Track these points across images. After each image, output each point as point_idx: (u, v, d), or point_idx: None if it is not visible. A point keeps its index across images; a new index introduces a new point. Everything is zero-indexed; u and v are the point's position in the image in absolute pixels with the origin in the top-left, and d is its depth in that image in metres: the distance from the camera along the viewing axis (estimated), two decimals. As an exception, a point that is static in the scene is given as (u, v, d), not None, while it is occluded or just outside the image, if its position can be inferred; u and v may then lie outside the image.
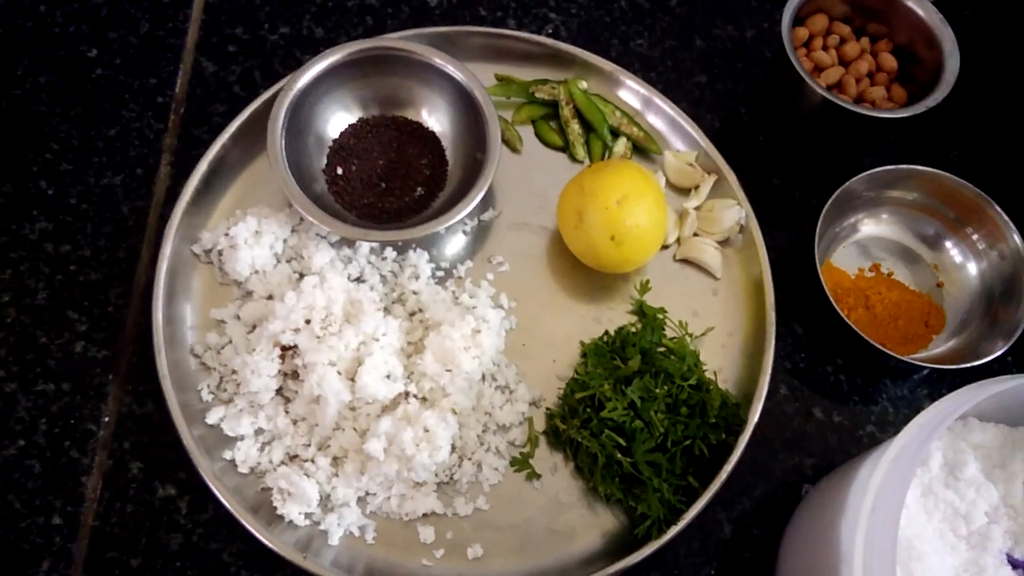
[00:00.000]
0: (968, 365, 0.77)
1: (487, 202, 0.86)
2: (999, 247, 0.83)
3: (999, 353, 0.77)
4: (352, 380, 0.74)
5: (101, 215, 0.84)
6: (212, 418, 0.74)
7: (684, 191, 0.88)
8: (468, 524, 0.74)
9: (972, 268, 0.85)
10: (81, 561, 0.73)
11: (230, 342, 0.78)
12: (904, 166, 0.83)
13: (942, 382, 0.83)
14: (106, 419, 0.77)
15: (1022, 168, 0.93)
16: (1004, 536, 0.64)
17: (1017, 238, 0.81)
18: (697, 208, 0.86)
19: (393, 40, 0.85)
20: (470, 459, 0.75)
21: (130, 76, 0.90)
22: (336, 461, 0.74)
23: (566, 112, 0.88)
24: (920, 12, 0.85)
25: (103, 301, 0.81)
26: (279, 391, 0.76)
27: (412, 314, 0.80)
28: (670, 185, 0.88)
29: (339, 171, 0.84)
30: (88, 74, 0.90)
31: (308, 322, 0.74)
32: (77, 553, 0.73)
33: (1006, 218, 0.82)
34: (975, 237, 0.85)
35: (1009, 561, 0.64)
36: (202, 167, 0.81)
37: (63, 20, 0.92)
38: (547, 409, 0.78)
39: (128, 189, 0.85)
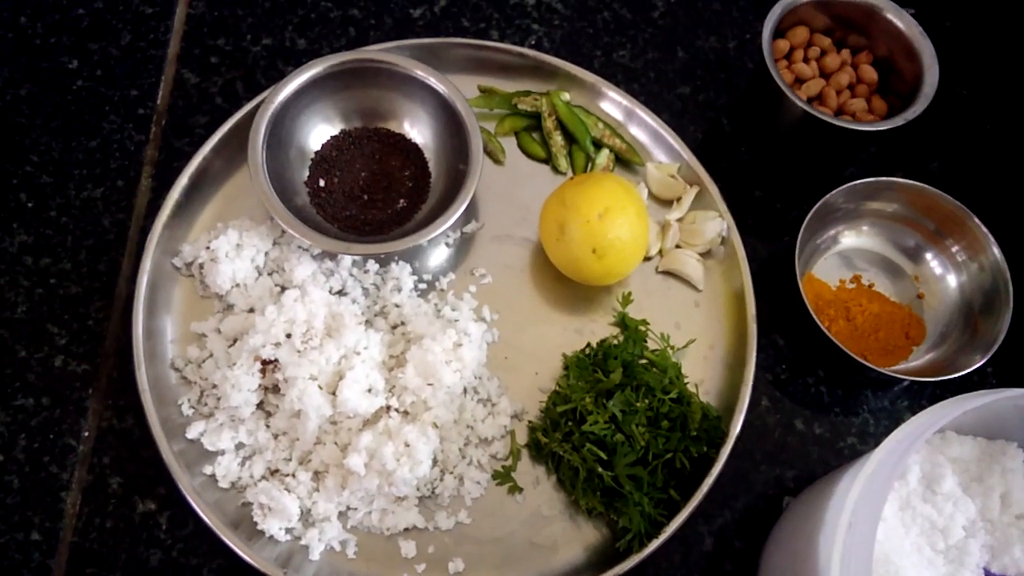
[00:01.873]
0: (948, 377, 0.77)
1: (470, 214, 0.86)
2: (979, 259, 0.83)
3: (978, 366, 0.77)
4: (333, 394, 0.74)
5: (81, 228, 0.84)
6: (192, 432, 0.74)
7: (666, 203, 0.88)
8: (450, 538, 0.74)
9: (952, 280, 0.85)
10: (60, 577, 0.72)
11: (211, 356, 0.77)
12: (885, 178, 0.84)
13: (922, 394, 0.83)
14: (86, 434, 0.76)
15: (1002, 180, 0.93)
16: (981, 550, 0.64)
17: (997, 251, 0.81)
18: (679, 220, 0.86)
19: (375, 52, 0.85)
20: (452, 473, 0.75)
21: (111, 88, 0.90)
22: (317, 476, 0.74)
23: (549, 124, 0.88)
24: (900, 24, 0.86)
25: (83, 315, 0.80)
26: (260, 405, 0.76)
27: (394, 327, 0.80)
28: (652, 197, 0.88)
29: (321, 183, 0.84)
30: (69, 85, 0.90)
31: (289, 336, 0.74)
32: (56, 569, 0.72)
33: (986, 230, 0.82)
34: (955, 249, 0.85)
35: (987, 575, 0.64)
36: (183, 179, 0.81)
37: (44, 31, 0.92)
38: (529, 422, 0.78)
39: (109, 202, 0.85)
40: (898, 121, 0.81)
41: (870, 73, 0.87)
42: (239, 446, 0.75)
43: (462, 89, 0.83)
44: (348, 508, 0.74)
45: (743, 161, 0.92)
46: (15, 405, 0.77)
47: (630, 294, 0.83)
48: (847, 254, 0.88)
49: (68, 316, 0.80)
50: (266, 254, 0.81)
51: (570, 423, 0.75)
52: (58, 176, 0.86)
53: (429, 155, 0.87)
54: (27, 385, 0.78)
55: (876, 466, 0.58)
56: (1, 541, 0.73)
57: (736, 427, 0.76)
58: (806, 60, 0.88)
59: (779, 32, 0.87)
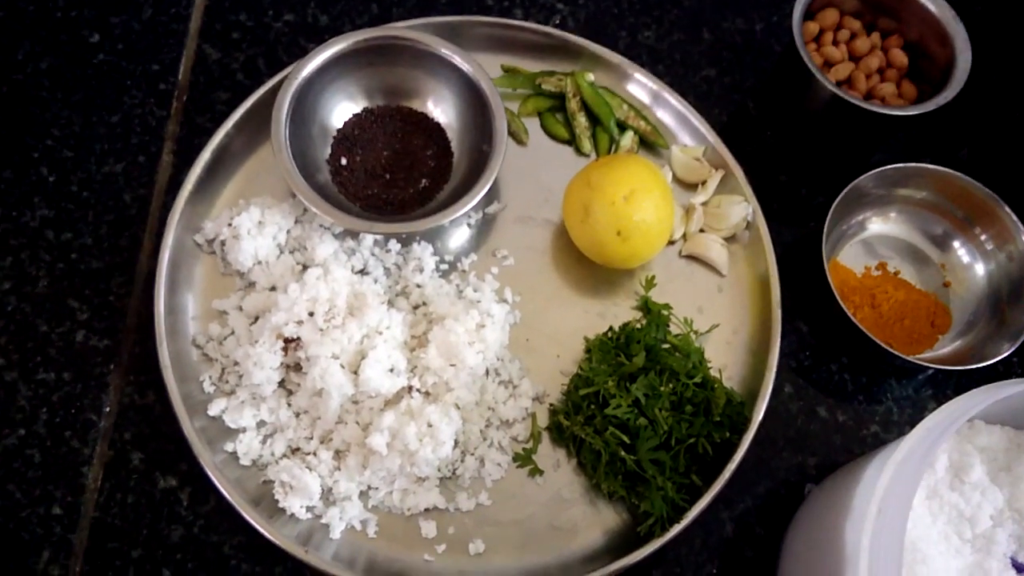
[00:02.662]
0: (974, 367, 0.76)
1: (492, 195, 0.85)
2: (1008, 248, 0.82)
3: (1005, 355, 0.76)
4: (355, 373, 0.73)
5: (103, 203, 0.83)
6: (214, 410, 0.74)
7: (691, 186, 0.87)
8: (470, 519, 0.74)
9: (980, 269, 0.84)
10: (81, 551, 0.72)
11: (232, 333, 0.77)
12: (913, 164, 0.83)
13: (947, 383, 0.83)
14: (107, 409, 0.76)
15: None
16: (1009, 540, 0.64)
17: (1026, 239, 0.81)
18: (704, 204, 0.85)
19: (399, 29, 0.84)
20: (473, 454, 0.75)
21: (132, 62, 0.89)
22: (338, 455, 0.74)
23: (573, 105, 0.87)
24: (932, 8, 0.84)
25: (104, 290, 0.80)
26: (281, 383, 0.75)
27: (416, 307, 0.80)
28: (677, 180, 0.87)
29: (343, 161, 0.84)
30: (90, 60, 0.89)
31: (311, 314, 0.74)
32: (77, 543, 0.73)
33: (1015, 219, 0.81)
34: (983, 237, 0.84)
35: (1014, 565, 0.63)
36: (205, 156, 0.81)
37: (65, 4, 0.91)
38: (550, 405, 0.78)
39: (130, 177, 0.85)
40: (930, 106, 0.80)
41: (900, 57, 0.86)
42: (261, 424, 0.75)
43: (485, 68, 0.83)
44: (369, 488, 0.74)
45: (769, 145, 0.91)
46: (37, 379, 0.77)
47: (653, 278, 0.82)
48: (873, 241, 0.87)
49: (89, 291, 0.80)
50: (288, 232, 0.81)
51: (592, 406, 0.74)
52: (79, 151, 0.85)
53: (452, 135, 0.86)
54: (49, 360, 0.77)
55: (907, 453, 0.57)
56: (23, 515, 0.73)
57: (759, 413, 0.76)
58: (835, 43, 0.87)
59: (809, 14, 0.86)
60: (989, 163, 0.91)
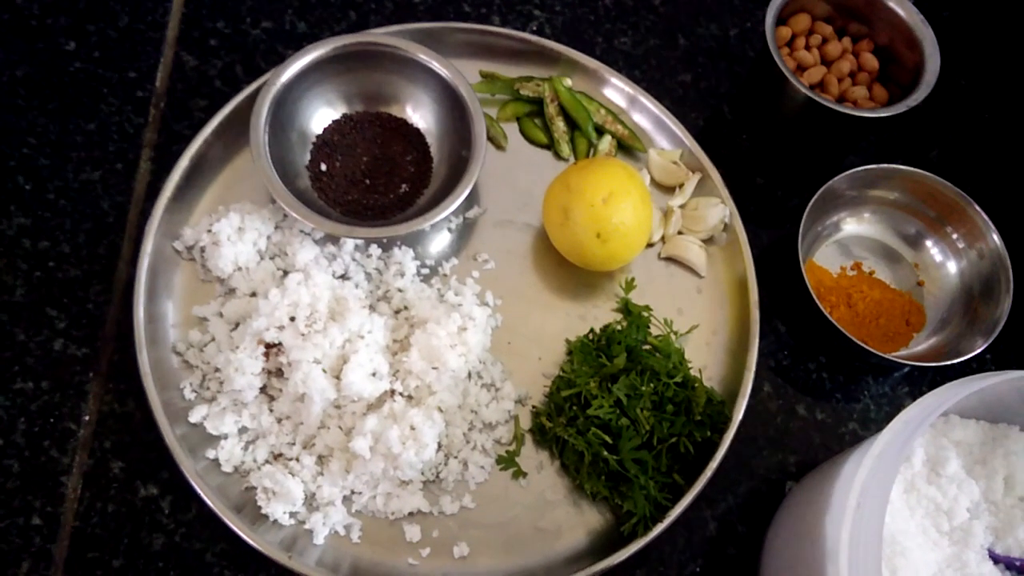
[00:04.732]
0: (948, 363, 0.78)
1: (472, 199, 0.86)
2: (978, 246, 0.84)
3: (978, 351, 0.78)
4: (337, 378, 0.73)
5: (80, 211, 0.83)
6: (195, 416, 0.74)
7: (669, 189, 0.88)
8: (454, 522, 0.74)
9: (952, 267, 0.86)
10: (61, 562, 0.71)
11: (213, 340, 0.77)
12: (885, 165, 0.84)
13: (923, 380, 0.84)
14: (86, 418, 0.76)
15: (1001, 168, 0.94)
16: (986, 531, 0.65)
17: (996, 237, 0.82)
18: (682, 206, 0.86)
19: (378, 35, 0.84)
20: (456, 457, 0.75)
21: (109, 70, 0.89)
22: (321, 460, 0.74)
23: (551, 109, 0.88)
24: (901, 13, 0.86)
25: (83, 298, 0.80)
26: (263, 389, 0.75)
27: (397, 312, 0.80)
28: (655, 183, 0.88)
29: (323, 167, 0.84)
30: (66, 67, 0.89)
31: (292, 319, 0.74)
32: (57, 554, 0.72)
33: (985, 217, 0.83)
34: (955, 236, 0.86)
35: (991, 556, 0.64)
36: (183, 163, 0.80)
37: (40, 12, 0.90)
38: (533, 407, 0.78)
39: (108, 185, 0.84)
40: (900, 107, 0.81)
41: (871, 61, 0.88)
42: (242, 430, 0.75)
43: (464, 74, 0.83)
44: (352, 492, 0.73)
45: (745, 148, 0.93)
46: (14, 389, 0.76)
47: (633, 280, 0.83)
48: (848, 241, 0.88)
49: (67, 300, 0.79)
50: (268, 238, 0.81)
51: (574, 407, 0.75)
52: (56, 159, 0.85)
53: (431, 140, 0.86)
54: (26, 369, 0.77)
55: (884, 447, 0.58)
56: (1, 526, 0.72)
57: (739, 412, 0.76)
58: (808, 48, 0.88)
59: (781, 19, 0.88)
60: (959, 163, 0.93)
